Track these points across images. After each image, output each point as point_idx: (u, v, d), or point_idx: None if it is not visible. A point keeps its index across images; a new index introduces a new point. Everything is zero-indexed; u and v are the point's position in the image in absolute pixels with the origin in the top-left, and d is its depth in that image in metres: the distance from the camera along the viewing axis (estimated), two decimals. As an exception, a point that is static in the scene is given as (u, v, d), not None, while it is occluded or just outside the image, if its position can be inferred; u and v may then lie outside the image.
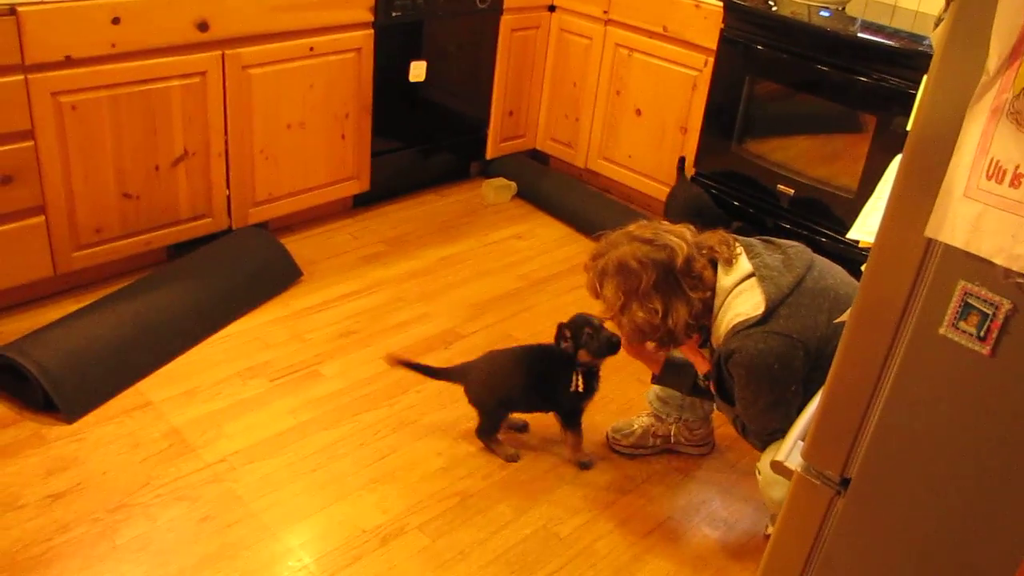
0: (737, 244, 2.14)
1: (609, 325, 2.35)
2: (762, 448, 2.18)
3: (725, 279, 2.10)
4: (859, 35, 3.15)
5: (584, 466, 2.58)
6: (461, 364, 2.63)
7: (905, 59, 3.04)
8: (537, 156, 4.42)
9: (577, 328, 2.45)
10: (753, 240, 2.16)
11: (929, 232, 1.16)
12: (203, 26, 2.95)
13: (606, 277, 2.15)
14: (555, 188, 4.07)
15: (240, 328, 3.00)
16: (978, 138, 1.11)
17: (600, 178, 4.17)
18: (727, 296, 2.08)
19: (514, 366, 2.57)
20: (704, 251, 2.13)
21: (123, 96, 2.87)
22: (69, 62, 2.72)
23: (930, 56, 2.87)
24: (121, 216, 3.02)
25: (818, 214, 3.37)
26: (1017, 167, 1.09)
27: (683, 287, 2.08)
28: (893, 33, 3.19)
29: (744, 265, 2.09)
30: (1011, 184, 1.09)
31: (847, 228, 3.28)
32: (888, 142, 3.11)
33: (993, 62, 1.09)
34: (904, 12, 3.60)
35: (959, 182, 1.13)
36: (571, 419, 2.56)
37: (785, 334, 1.98)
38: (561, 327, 2.48)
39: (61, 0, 2.64)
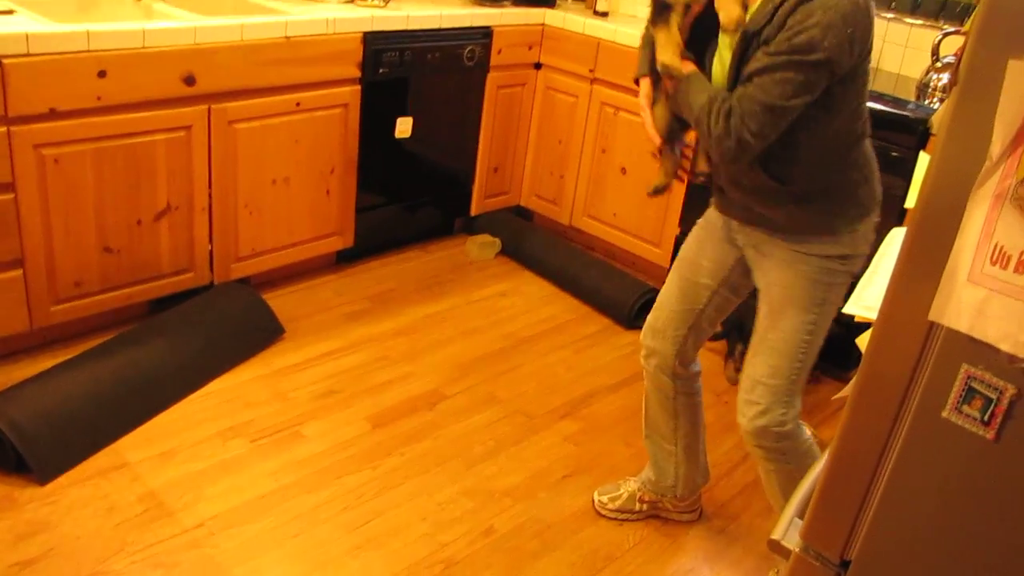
0: None
1: None
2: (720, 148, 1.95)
3: None
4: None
5: None
6: None
7: (887, 122, 3.07)
8: (521, 213, 4.42)
9: None
10: None
11: (933, 316, 1.15)
12: (190, 80, 2.94)
13: None
14: (539, 245, 4.06)
15: (221, 386, 2.95)
16: (982, 223, 1.10)
17: (584, 235, 4.17)
18: None
19: None
20: None
21: (107, 149, 2.85)
22: (53, 115, 2.70)
23: (913, 120, 2.93)
24: (101, 270, 2.98)
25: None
26: (1022, 253, 1.08)
27: None
28: (877, 96, 3.22)
29: None
30: (1016, 270, 1.09)
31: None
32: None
33: (996, 148, 1.08)
34: (886, 75, 3.65)
35: (963, 266, 1.12)
36: None
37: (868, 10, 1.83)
38: None
39: (47, 53, 2.62)
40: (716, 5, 1.97)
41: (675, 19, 2.01)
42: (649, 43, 2.13)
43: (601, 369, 3.33)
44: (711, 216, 2.31)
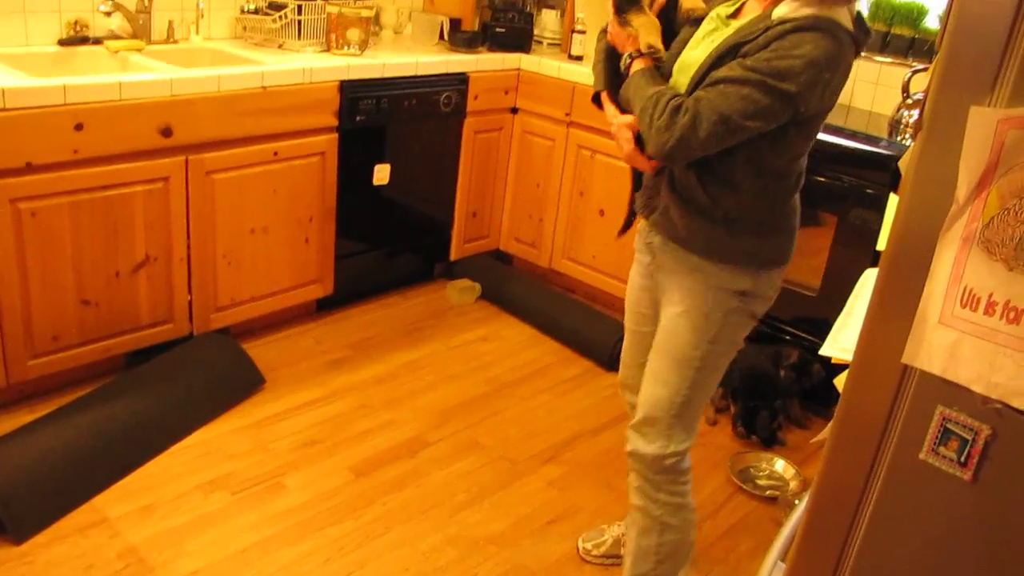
0: None
1: None
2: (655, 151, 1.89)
3: None
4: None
5: None
6: None
7: (861, 160, 3.12)
8: (501, 256, 4.43)
9: None
10: None
11: (906, 359, 1.16)
12: (167, 132, 2.95)
13: None
14: (519, 289, 4.07)
15: (201, 438, 2.92)
16: (951, 266, 1.12)
17: (564, 278, 4.18)
18: None
19: None
20: None
21: (84, 202, 2.84)
22: (30, 168, 2.69)
23: (886, 157, 2.97)
24: (79, 323, 2.96)
25: (782, 312, 3.39)
26: (991, 295, 1.09)
27: None
28: (850, 134, 3.27)
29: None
30: (986, 312, 1.10)
31: (810, 326, 3.32)
32: (848, 237, 3.17)
33: (962, 191, 1.10)
34: (859, 112, 3.70)
35: (934, 309, 1.13)
36: None
37: (844, 55, 1.80)
38: None
39: (24, 107, 2.62)
40: (683, 0, 1.98)
41: (646, 6, 2.00)
42: (605, 56, 2.10)
43: (583, 412, 3.32)
44: (636, 258, 2.28)
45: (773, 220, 2.02)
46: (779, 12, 1.83)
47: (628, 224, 2.31)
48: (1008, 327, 1.07)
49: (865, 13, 3.67)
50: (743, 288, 2.03)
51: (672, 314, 2.10)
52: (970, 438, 1.15)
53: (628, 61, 2.01)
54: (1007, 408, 1.10)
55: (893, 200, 1.63)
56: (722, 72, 1.82)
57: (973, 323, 1.11)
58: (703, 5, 2.01)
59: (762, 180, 1.95)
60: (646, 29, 1.98)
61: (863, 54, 3.69)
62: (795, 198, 2.06)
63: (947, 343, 1.12)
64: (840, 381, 1.61)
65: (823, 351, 1.60)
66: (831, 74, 1.78)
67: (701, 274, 2.04)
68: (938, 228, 1.13)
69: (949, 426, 1.16)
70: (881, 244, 1.28)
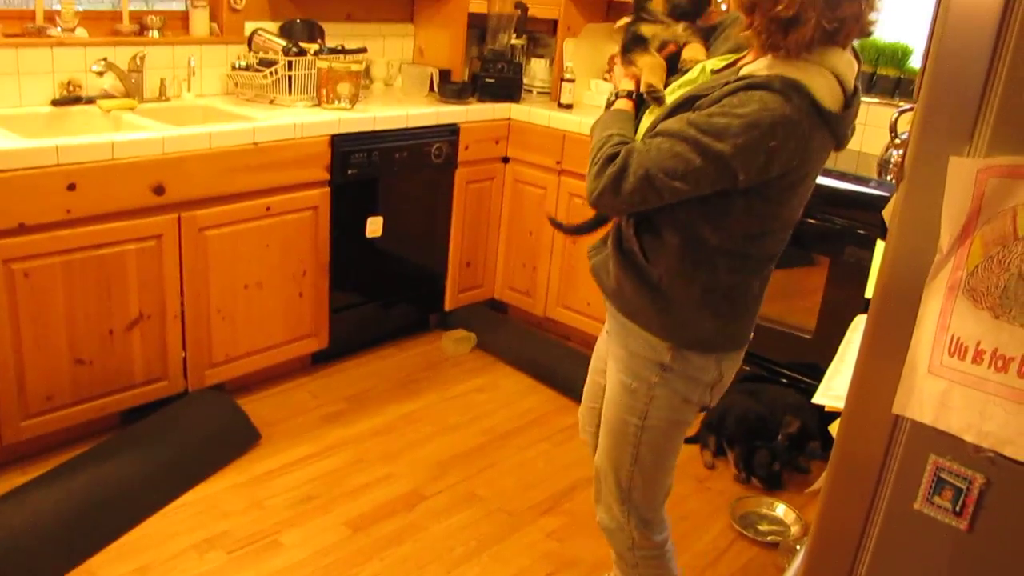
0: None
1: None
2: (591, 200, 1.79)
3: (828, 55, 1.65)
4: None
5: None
6: None
7: (851, 200, 3.14)
8: (495, 306, 4.43)
9: None
10: None
11: (897, 409, 1.16)
12: (159, 190, 2.96)
13: None
14: (514, 338, 4.06)
15: (196, 496, 2.90)
16: (937, 315, 1.12)
17: (559, 326, 4.17)
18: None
19: None
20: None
21: (77, 261, 2.85)
22: (22, 229, 2.70)
23: (876, 197, 2.98)
24: (73, 382, 2.95)
25: (777, 354, 3.39)
26: (978, 343, 1.09)
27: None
28: (839, 175, 3.29)
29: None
30: (974, 360, 1.10)
31: (805, 369, 3.31)
32: (842, 278, 3.18)
33: (945, 240, 1.11)
34: (847, 153, 3.71)
35: (922, 358, 1.13)
36: None
37: (802, 127, 1.61)
38: None
39: (16, 168, 2.64)
40: (685, 51, 1.94)
41: (653, 50, 1.96)
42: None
43: (581, 461, 3.29)
44: None
45: (711, 301, 1.84)
46: (748, 68, 1.69)
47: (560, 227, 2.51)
48: (997, 375, 1.07)
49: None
50: (661, 361, 1.88)
51: (608, 385, 2.04)
52: (964, 487, 1.14)
53: (611, 99, 1.97)
54: (1000, 457, 1.10)
55: (880, 247, 1.63)
56: (667, 123, 1.71)
57: (962, 372, 1.10)
58: (703, 58, 1.99)
59: (703, 254, 1.79)
60: (650, 69, 1.94)
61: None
62: (752, 283, 1.87)
63: (937, 392, 1.12)
64: (835, 427, 1.61)
65: (816, 399, 1.59)
66: (777, 142, 1.59)
67: (624, 334, 1.95)
68: (924, 277, 1.13)
69: (943, 475, 1.16)
70: (869, 292, 1.28)
